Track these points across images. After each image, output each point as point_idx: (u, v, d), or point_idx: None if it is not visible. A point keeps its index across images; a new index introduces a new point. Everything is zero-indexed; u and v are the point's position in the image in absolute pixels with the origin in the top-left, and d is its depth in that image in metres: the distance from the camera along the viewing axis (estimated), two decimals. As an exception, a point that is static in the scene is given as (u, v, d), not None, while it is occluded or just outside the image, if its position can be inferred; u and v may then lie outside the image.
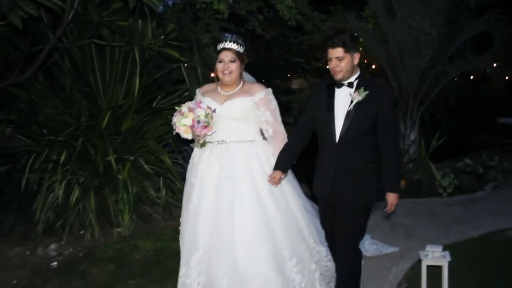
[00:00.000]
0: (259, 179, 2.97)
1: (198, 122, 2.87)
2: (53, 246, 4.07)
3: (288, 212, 3.03)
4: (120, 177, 4.28)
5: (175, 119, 2.95)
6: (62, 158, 4.13)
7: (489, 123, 8.90)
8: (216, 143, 3.04)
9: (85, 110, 4.25)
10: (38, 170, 4.20)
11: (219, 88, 3.09)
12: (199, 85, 3.85)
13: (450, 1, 5.37)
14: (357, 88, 2.71)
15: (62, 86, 4.44)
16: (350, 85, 2.73)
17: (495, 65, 7.62)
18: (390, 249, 3.87)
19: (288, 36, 6.64)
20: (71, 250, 4.06)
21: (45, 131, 4.29)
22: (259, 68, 6.24)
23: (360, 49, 2.79)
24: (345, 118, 2.70)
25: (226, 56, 2.95)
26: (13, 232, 4.29)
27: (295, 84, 9.05)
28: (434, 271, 3.18)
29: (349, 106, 2.70)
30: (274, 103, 3.08)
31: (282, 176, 2.94)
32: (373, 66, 9.68)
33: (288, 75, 8.79)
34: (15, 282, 3.52)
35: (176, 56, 3.77)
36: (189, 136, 2.96)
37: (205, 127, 2.89)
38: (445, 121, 7.01)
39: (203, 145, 3.05)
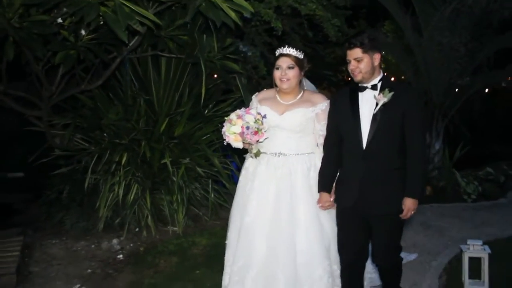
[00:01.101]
0: (316, 194, 2.92)
1: (248, 128, 2.81)
2: (115, 241, 4.50)
3: (331, 227, 2.98)
4: (174, 178, 4.72)
5: (224, 128, 2.91)
6: (124, 160, 4.58)
7: (505, 135, 9.37)
8: (273, 155, 2.97)
9: (143, 116, 4.71)
10: (100, 171, 4.65)
11: (277, 96, 3.01)
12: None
13: (475, 19, 5.85)
14: (382, 89, 2.65)
15: (118, 93, 4.92)
16: (374, 87, 2.67)
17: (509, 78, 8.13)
18: (410, 257, 3.96)
19: (316, 49, 7.12)
20: (131, 245, 4.48)
21: (105, 134, 4.75)
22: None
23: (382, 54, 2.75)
24: (371, 122, 2.64)
25: (283, 62, 2.89)
26: (74, 229, 4.73)
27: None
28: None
29: (375, 109, 2.64)
30: None
31: (332, 198, 2.87)
32: (392, 79, 10.23)
33: (313, 86, 9.31)
34: (89, 271, 3.95)
35: (235, 69, 4.23)
36: (239, 144, 2.89)
37: (256, 133, 2.83)
38: (468, 132, 7.48)
39: (257, 154, 2.99)
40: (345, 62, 2.75)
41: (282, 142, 2.97)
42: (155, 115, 4.78)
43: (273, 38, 5.37)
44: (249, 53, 5.23)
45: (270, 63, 5.10)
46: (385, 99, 2.60)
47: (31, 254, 4.25)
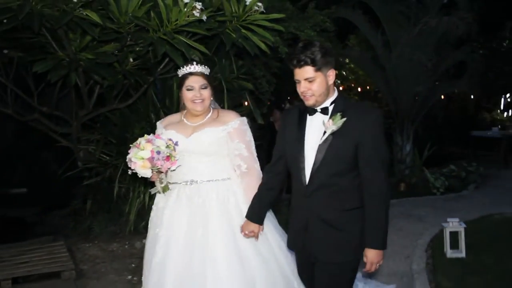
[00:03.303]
0: (237, 225, 2.67)
1: (158, 153, 2.52)
2: (144, 241, 5.26)
3: (273, 262, 2.73)
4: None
5: (130, 154, 2.58)
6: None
7: (461, 137, 10.89)
8: (183, 184, 2.71)
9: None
10: (129, 180, 5.41)
11: (184, 119, 2.80)
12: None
13: (437, 37, 7.14)
14: (333, 114, 2.29)
15: (139, 110, 5.72)
16: (324, 111, 2.32)
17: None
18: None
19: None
20: (160, 243, 5.28)
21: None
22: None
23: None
24: (316, 153, 2.29)
25: (196, 82, 2.69)
26: (103, 233, 5.45)
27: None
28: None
29: (321, 138, 2.29)
30: (249, 135, 2.78)
31: (261, 230, 2.63)
32: (359, 89, 11.63)
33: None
34: (134, 265, 4.72)
35: (249, 87, 5.18)
36: (147, 172, 2.58)
37: (168, 158, 2.55)
38: (430, 134, 8.85)
39: (165, 189, 2.74)
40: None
41: (192, 168, 2.71)
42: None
43: (270, 59, 6.32)
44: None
45: (267, 81, 6.11)
46: (334, 127, 2.25)
47: (73, 255, 4.95)
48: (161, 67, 4.92)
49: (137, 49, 4.20)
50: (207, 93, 2.72)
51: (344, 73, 11.58)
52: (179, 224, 2.68)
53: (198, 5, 3.68)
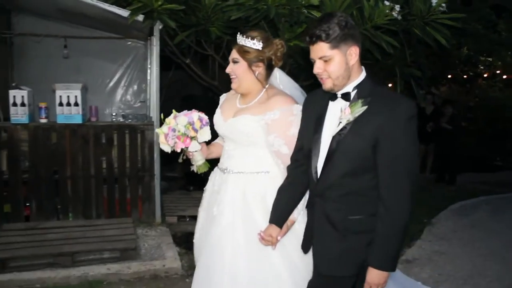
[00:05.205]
0: (260, 226, 2.37)
1: (174, 130, 2.50)
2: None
3: (303, 271, 2.40)
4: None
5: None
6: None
7: None
8: (221, 170, 2.59)
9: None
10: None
11: (238, 96, 2.58)
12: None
13: None
14: (354, 101, 2.02)
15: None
16: (346, 96, 2.05)
17: None
18: None
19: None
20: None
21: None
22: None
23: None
24: (329, 146, 2.04)
25: (231, 55, 2.45)
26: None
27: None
28: None
29: (337, 129, 2.03)
30: (296, 127, 2.34)
31: (279, 236, 2.30)
32: (504, 76, 11.76)
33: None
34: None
35: (417, 74, 6.02)
36: (166, 148, 2.56)
37: (179, 137, 2.50)
38: None
39: (199, 169, 2.67)
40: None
41: (229, 156, 2.56)
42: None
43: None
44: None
45: (429, 68, 6.86)
46: (350, 117, 1.98)
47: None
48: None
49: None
50: (238, 69, 2.43)
51: (490, 59, 11.70)
52: (208, 213, 2.62)
53: (397, 7, 4.64)
